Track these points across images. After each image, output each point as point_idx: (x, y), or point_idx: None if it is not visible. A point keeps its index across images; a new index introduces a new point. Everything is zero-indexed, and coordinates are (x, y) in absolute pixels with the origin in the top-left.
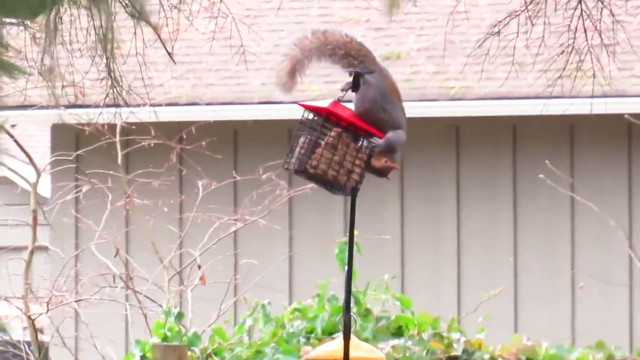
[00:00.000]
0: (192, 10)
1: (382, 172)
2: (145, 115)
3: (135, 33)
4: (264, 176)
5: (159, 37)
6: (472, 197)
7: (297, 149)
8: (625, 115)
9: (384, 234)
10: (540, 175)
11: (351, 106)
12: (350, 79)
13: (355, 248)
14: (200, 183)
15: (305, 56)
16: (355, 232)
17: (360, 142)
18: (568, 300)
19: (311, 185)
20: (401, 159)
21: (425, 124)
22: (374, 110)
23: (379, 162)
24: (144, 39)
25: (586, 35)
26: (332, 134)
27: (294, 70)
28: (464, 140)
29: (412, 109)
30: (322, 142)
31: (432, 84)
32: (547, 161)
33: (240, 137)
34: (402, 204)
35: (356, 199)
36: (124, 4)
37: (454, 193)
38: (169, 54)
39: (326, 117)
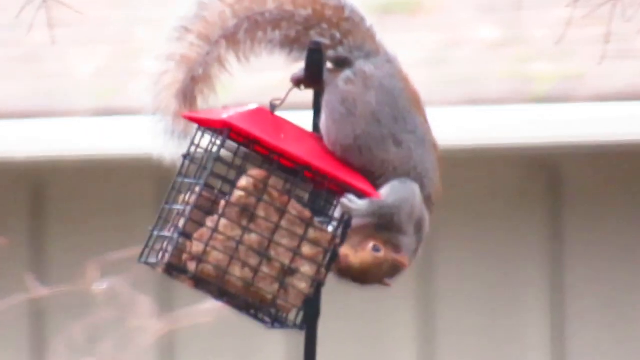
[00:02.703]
0: None
1: (366, 276)
2: None
3: None
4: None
5: None
6: (593, 317)
7: (171, 223)
8: None
9: None
10: None
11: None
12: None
13: None
14: None
15: (216, 48)
16: None
17: (311, 201)
18: None
19: (213, 305)
20: (419, 248)
21: (477, 159)
22: (374, 142)
23: (359, 255)
24: None
25: None
26: (242, 182)
27: (192, 84)
28: (569, 197)
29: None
30: (222, 203)
31: (493, 67)
32: None
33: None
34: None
35: (316, 336)
36: None
37: (545, 309)
38: None
39: (241, 143)
